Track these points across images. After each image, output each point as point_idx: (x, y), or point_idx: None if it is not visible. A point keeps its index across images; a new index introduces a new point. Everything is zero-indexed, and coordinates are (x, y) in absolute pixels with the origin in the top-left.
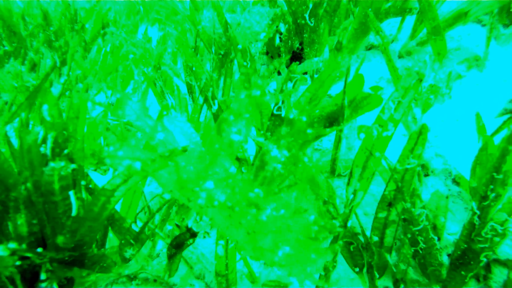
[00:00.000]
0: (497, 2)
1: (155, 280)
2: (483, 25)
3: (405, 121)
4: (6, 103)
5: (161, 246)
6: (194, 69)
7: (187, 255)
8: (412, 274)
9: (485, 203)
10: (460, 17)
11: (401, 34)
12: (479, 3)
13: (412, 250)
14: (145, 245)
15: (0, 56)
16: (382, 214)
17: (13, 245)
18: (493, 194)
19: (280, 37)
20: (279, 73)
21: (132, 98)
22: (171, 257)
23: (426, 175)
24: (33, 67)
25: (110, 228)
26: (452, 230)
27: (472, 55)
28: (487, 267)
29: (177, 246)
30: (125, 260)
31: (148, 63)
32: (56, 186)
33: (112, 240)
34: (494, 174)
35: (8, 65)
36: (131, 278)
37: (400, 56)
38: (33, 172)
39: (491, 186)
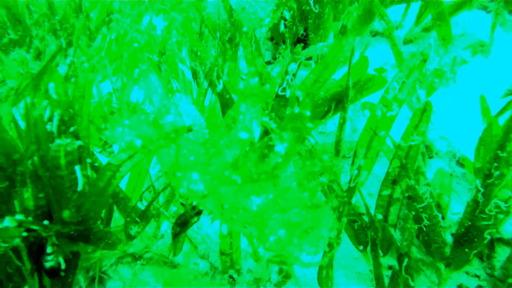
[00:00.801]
0: None
1: (164, 262)
2: (488, 12)
3: (410, 101)
4: (12, 88)
5: (166, 227)
6: (199, 53)
7: (191, 235)
8: (415, 253)
9: (489, 181)
10: (465, 3)
11: (406, 21)
12: None
13: (416, 228)
14: (150, 225)
15: (6, 44)
16: (387, 192)
17: (20, 216)
18: (497, 172)
19: (284, 24)
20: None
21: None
22: (175, 236)
23: (431, 157)
24: (38, 55)
25: (115, 206)
26: (456, 210)
27: (477, 41)
28: (491, 247)
29: (182, 224)
30: (130, 238)
31: (152, 51)
32: (62, 161)
33: (118, 221)
34: (499, 152)
35: (14, 52)
36: (136, 258)
37: (405, 43)
38: (40, 147)
39: (495, 164)
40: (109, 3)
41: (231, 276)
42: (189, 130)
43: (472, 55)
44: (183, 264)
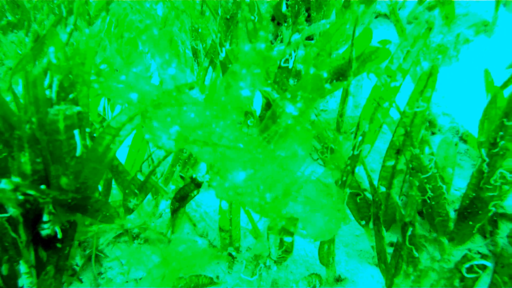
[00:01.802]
0: None
1: (162, 240)
2: None
3: (414, 73)
4: (10, 68)
5: (164, 206)
6: (200, 30)
7: (190, 213)
8: (418, 229)
9: (494, 151)
10: None
11: (409, 1)
12: None
13: (420, 197)
14: (148, 203)
15: (4, 27)
16: (390, 163)
17: (16, 179)
18: (502, 142)
19: (286, 4)
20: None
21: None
22: (174, 211)
23: (433, 133)
24: (37, 38)
25: (114, 180)
26: (459, 186)
27: (480, 20)
28: (494, 223)
29: (181, 199)
30: (129, 211)
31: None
32: (61, 125)
33: (115, 197)
34: (504, 120)
35: (12, 34)
36: (134, 237)
37: (408, 22)
38: (38, 109)
39: (501, 133)
40: None
41: (230, 254)
42: (191, 87)
43: (475, 34)
44: (182, 240)
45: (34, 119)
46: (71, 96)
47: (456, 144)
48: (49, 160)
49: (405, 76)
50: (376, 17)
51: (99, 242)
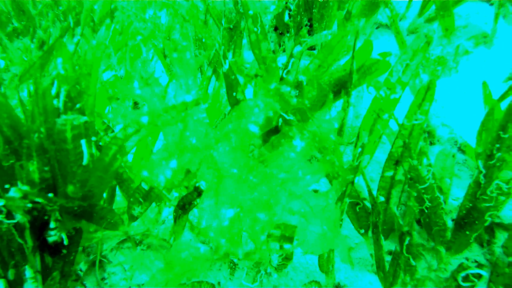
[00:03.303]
0: None
1: (165, 247)
2: (491, 4)
3: (413, 85)
4: (16, 75)
5: (167, 213)
6: (203, 40)
7: (193, 220)
8: (416, 238)
9: (491, 162)
10: None
11: (410, 13)
12: None
13: (418, 207)
14: (151, 210)
15: (9, 33)
16: (389, 173)
17: (25, 187)
18: (499, 154)
19: (289, 14)
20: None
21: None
22: (177, 218)
23: (432, 143)
24: (42, 45)
25: (118, 187)
26: (457, 196)
27: (480, 32)
28: (491, 232)
29: (184, 206)
30: (133, 218)
31: (156, 38)
32: (69, 134)
33: (119, 204)
34: (501, 133)
35: (17, 41)
36: (137, 243)
37: (408, 34)
38: (47, 119)
39: (497, 145)
40: None
41: (231, 261)
42: (197, 103)
43: (474, 46)
44: (185, 247)
45: (42, 129)
46: (78, 106)
47: (453, 156)
48: (57, 169)
49: (404, 88)
50: (377, 27)
51: (103, 248)
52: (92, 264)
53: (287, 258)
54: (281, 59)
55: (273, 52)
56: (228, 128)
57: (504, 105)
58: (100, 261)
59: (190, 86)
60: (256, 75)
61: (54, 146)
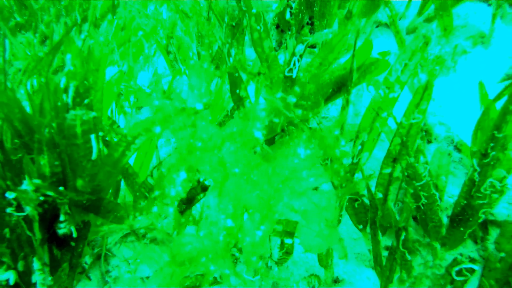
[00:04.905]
0: None
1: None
2: (489, 4)
3: (411, 84)
4: (19, 70)
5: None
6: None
7: (195, 215)
8: (412, 234)
9: (485, 161)
10: None
11: (409, 12)
12: None
13: (414, 204)
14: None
15: (12, 28)
16: (387, 170)
17: (37, 181)
18: (493, 152)
19: (290, 11)
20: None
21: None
22: (181, 213)
23: (429, 141)
24: (44, 40)
25: (123, 181)
26: (452, 193)
27: (478, 32)
28: (485, 229)
29: (188, 201)
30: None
31: (159, 35)
32: (79, 129)
33: (123, 198)
34: (495, 132)
35: (20, 36)
36: (139, 237)
37: (407, 33)
38: (58, 114)
39: (492, 144)
40: None
41: (233, 255)
42: (207, 107)
43: (472, 46)
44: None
45: (54, 124)
46: (86, 101)
47: (449, 154)
48: (67, 163)
49: (403, 87)
50: (377, 26)
51: (107, 241)
52: (97, 257)
53: (288, 252)
54: (283, 56)
55: (275, 49)
56: (233, 130)
57: (499, 105)
58: (105, 254)
59: (203, 94)
60: (259, 73)
61: (64, 140)
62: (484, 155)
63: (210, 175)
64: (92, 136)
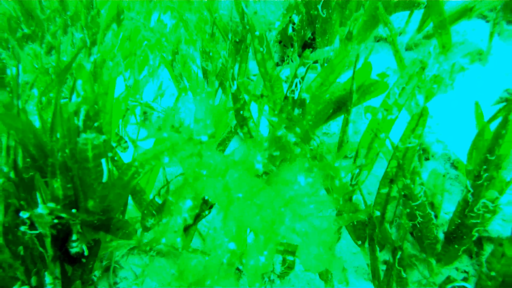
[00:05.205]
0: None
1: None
2: (488, 21)
3: (409, 106)
4: (27, 83)
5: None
6: (211, 54)
7: (200, 228)
8: (410, 249)
9: (479, 182)
10: (465, 12)
11: (409, 27)
12: None
13: (410, 224)
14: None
15: (19, 39)
16: (384, 190)
17: (52, 204)
18: (486, 174)
19: (293, 27)
20: (292, 61)
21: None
22: (186, 229)
23: (427, 159)
24: (50, 50)
25: (131, 198)
26: (449, 210)
27: (476, 49)
28: (480, 245)
29: (193, 218)
30: (146, 229)
31: (164, 48)
32: (90, 154)
33: (130, 213)
34: (488, 155)
35: (27, 47)
36: (147, 250)
37: (407, 48)
38: (70, 140)
39: (485, 167)
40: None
41: (237, 268)
42: (212, 136)
43: (470, 63)
44: (193, 256)
45: (67, 150)
46: (96, 124)
47: (444, 176)
48: (79, 186)
49: (401, 110)
50: (378, 40)
51: (115, 254)
52: (105, 269)
53: (289, 267)
54: (284, 71)
55: (278, 64)
56: (235, 158)
57: (493, 126)
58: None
59: (208, 125)
60: (261, 95)
61: (76, 165)
62: (478, 176)
63: (216, 200)
64: (103, 160)
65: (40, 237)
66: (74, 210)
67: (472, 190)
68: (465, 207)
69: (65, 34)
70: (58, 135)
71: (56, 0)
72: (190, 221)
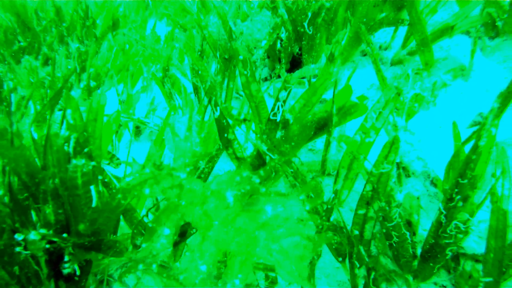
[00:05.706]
0: (480, 19)
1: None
2: (471, 37)
3: (386, 129)
4: (23, 97)
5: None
6: (200, 72)
7: (191, 242)
8: (389, 264)
9: (451, 205)
10: (446, 30)
11: (395, 42)
12: (465, 18)
13: (387, 244)
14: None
15: (16, 51)
16: (361, 211)
17: (43, 230)
18: (459, 197)
19: (280, 43)
20: (279, 76)
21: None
22: (176, 244)
23: (408, 176)
24: (46, 61)
25: (122, 217)
26: (427, 227)
27: (458, 64)
28: (457, 260)
29: (182, 235)
30: (136, 247)
31: (156, 62)
32: (79, 181)
33: (123, 229)
34: (459, 179)
35: (23, 60)
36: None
37: (392, 64)
38: (60, 169)
39: (457, 190)
40: (114, 9)
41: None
42: (191, 175)
43: (452, 79)
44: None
45: (57, 180)
46: (85, 150)
47: (418, 198)
48: (69, 211)
49: (378, 133)
50: (365, 55)
51: (108, 269)
52: (99, 282)
53: (273, 282)
54: (272, 87)
55: (266, 78)
56: (212, 189)
57: (468, 147)
58: (106, 279)
59: (186, 164)
60: (244, 120)
61: (67, 192)
62: (450, 199)
63: (196, 225)
64: (92, 187)
65: (35, 256)
66: (65, 234)
67: (444, 212)
68: (438, 228)
69: (62, 44)
70: (49, 163)
71: (53, 11)
72: (168, 247)
